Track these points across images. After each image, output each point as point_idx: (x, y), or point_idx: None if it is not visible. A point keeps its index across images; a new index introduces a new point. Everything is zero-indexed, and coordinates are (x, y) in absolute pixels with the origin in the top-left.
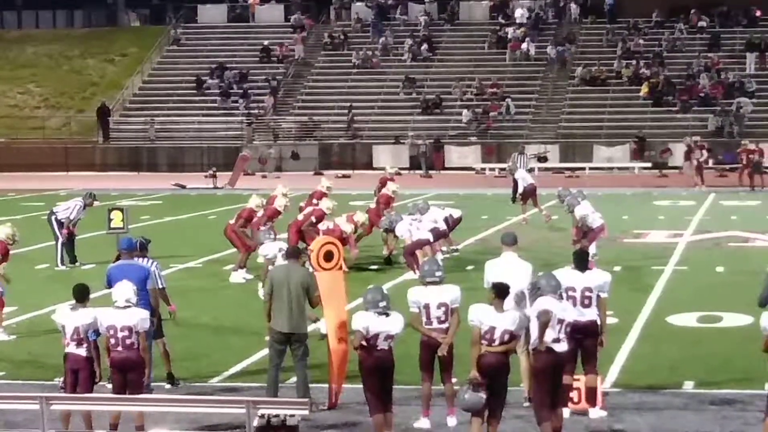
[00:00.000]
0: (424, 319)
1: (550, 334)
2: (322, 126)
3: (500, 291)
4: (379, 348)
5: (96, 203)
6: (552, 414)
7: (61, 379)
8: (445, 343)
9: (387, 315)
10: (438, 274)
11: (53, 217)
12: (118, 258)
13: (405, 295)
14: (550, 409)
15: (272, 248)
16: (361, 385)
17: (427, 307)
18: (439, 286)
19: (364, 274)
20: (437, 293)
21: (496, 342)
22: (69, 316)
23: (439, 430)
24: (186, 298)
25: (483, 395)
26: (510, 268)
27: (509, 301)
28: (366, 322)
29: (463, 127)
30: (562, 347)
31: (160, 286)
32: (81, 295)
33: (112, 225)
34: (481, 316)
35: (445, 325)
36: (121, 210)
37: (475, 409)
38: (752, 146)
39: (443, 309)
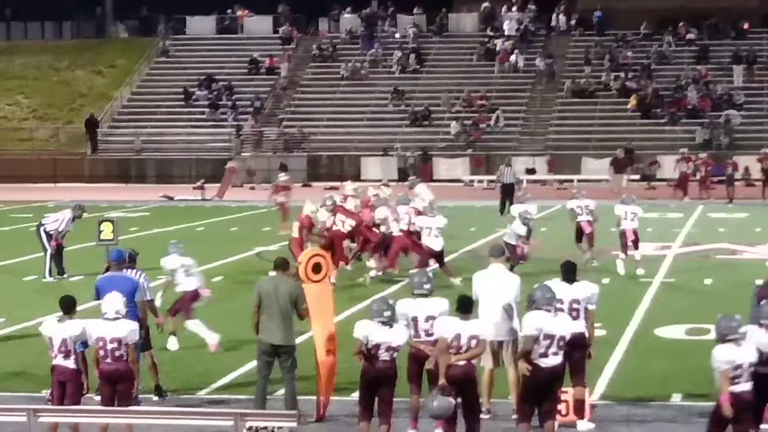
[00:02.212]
0: (412, 331)
1: (536, 349)
2: (310, 138)
3: (462, 305)
4: (381, 359)
5: (84, 215)
6: (530, 423)
7: (48, 391)
8: (432, 356)
9: (390, 326)
10: (426, 286)
11: (42, 229)
12: (107, 269)
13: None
14: (530, 421)
15: (173, 262)
16: (348, 398)
17: (415, 319)
18: (427, 299)
19: (352, 288)
20: (425, 306)
21: (464, 348)
22: (56, 328)
23: None
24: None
25: (452, 400)
26: (498, 280)
27: (498, 313)
28: (366, 331)
29: (451, 139)
30: (550, 362)
31: (148, 298)
32: (68, 306)
33: (102, 237)
34: (447, 326)
35: (432, 338)
36: (111, 222)
37: (445, 414)
38: (701, 157)
39: (431, 322)
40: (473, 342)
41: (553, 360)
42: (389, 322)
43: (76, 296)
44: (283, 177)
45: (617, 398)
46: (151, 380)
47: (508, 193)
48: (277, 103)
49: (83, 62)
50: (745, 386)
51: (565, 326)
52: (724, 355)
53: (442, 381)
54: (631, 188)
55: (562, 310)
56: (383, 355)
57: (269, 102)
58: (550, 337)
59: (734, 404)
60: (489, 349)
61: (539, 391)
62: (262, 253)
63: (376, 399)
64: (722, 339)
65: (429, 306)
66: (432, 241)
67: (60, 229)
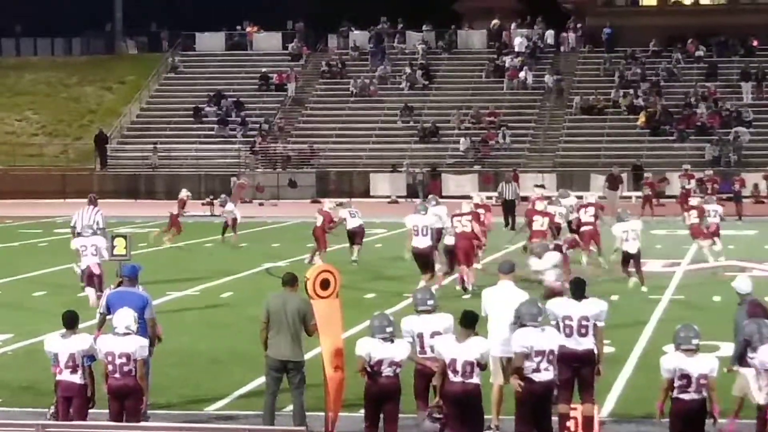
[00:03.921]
0: (418, 348)
1: (528, 366)
2: (319, 154)
3: (465, 320)
4: (384, 375)
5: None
6: None
7: (52, 408)
8: (438, 372)
9: (392, 341)
10: (430, 302)
11: (104, 232)
12: (119, 284)
13: (399, 324)
14: None
15: (74, 243)
16: (357, 414)
17: (420, 336)
18: (432, 315)
19: (360, 302)
20: (431, 322)
21: (459, 373)
22: (62, 344)
23: None
24: (183, 325)
25: (438, 425)
26: (507, 297)
27: (506, 330)
28: (368, 348)
29: (460, 156)
30: (543, 377)
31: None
32: (71, 321)
33: (115, 252)
34: (442, 348)
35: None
36: (125, 237)
37: None
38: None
39: (437, 338)
40: (468, 368)
41: (546, 375)
42: (391, 337)
43: (88, 310)
44: (184, 192)
45: (626, 415)
46: (157, 395)
47: (509, 209)
48: (287, 120)
49: (93, 78)
50: (693, 396)
51: (554, 340)
52: (668, 364)
53: (437, 401)
54: (641, 205)
55: (571, 327)
56: (386, 371)
57: (278, 118)
58: (540, 353)
59: (682, 412)
60: (498, 365)
61: (535, 407)
62: (270, 269)
63: (382, 415)
64: (676, 347)
65: (434, 322)
66: (628, 245)
67: (100, 222)
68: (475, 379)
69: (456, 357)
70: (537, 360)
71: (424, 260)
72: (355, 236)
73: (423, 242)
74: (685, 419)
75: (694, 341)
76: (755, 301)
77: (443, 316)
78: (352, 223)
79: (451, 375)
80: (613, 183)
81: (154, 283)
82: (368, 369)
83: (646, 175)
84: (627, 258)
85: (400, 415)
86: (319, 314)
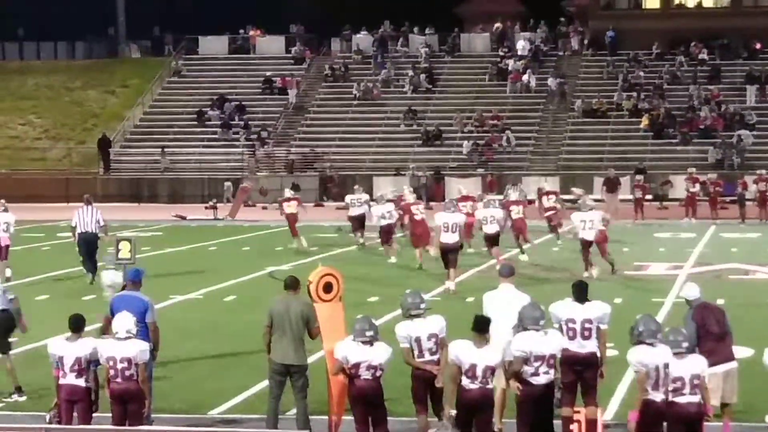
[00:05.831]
0: (416, 352)
1: (527, 370)
2: (323, 157)
3: (479, 325)
4: (362, 378)
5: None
6: None
7: (52, 412)
8: (440, 375)
9: (371, 344)
10: (423, 306)
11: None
12: (123, 288)
13: (389, 329)
14: None
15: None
16: None
17: (418, 340)
18: (425, 318)
19: (363, 305)
20: (425, 325)
21: (479, 378)
22: (68, 347)
23: None
24: (186, 329)
25: None
26: (508, 300)
27: (508, 333)
28: (345, 351)
29: (463, 159)
30: (542, 380)
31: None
32: (77, 325)
33: (120, 255)
34: (460, 353)
35: (437, 356)
36: (129, 241)
37: None
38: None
39: (434, 340)
40: (488, 372)
41: (545, 378)
42: (370, 341)
43: (90, 314)
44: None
45: None
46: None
47: None
48: (290, 124)
49: (96, 82)
50: (690, 398)
51: (555, 344)
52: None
53: (452, 411)
54: (644, 208)
55: (574, 329)
56: (364, 374)
57: (281, 122)
58: (540, 358)
59: (681, 416)
60: (501, 368)
61: (535, 408)
62: (273, 273)
63: (371, 419)
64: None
65: (428, 325)
66: (585, 233)
67: (101, 221)
68: (491, 385)
69: (476, 362)
70: (536, 365)
71: (452, 255)
72: (355, 222)
73: (452, 238)
74: (685, 422)
75: (684, 344)
76: (702, 304)
77: (436, 318)
78: (354, 211)
79: (467, 381)
80: (611, 186)
81: (159, 288)
82: (348, 372)
83: (638, 178)
84: (585, 245)
85: (401, 419)
86: (322, 318)
